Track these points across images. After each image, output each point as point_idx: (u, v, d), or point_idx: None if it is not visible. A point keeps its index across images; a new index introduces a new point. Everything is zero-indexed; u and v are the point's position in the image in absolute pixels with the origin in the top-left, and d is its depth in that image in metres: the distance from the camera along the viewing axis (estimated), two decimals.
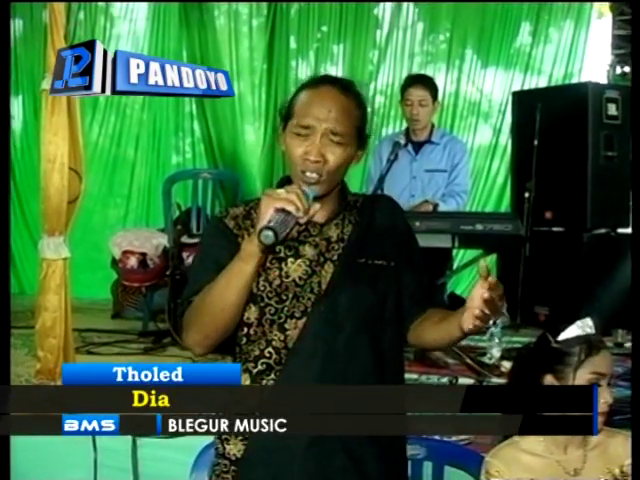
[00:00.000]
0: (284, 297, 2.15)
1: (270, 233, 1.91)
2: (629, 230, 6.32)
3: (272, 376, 2.13)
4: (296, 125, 2.15)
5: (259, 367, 2.14)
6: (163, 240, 5.85)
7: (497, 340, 4.78)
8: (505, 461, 2.22)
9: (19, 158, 7.98)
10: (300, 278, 2.16)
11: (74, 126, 4.15)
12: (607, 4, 7.91)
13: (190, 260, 5.61)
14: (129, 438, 3.42)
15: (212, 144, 8.47)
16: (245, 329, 2.17)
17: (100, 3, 8.52)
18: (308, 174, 2.12)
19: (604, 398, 2.16)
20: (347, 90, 2.19)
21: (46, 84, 4.08)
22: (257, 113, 8.65)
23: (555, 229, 6.37)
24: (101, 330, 5.83)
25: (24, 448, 3.20)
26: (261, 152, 8.55)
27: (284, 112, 2.23)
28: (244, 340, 2.18)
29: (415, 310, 2.26)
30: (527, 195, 6.19)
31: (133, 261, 5.72)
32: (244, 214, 2.23)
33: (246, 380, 2.14)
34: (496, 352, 4.67)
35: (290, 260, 2.16)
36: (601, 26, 8.18)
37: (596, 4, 8.07)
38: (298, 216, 1.97)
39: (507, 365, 4.65)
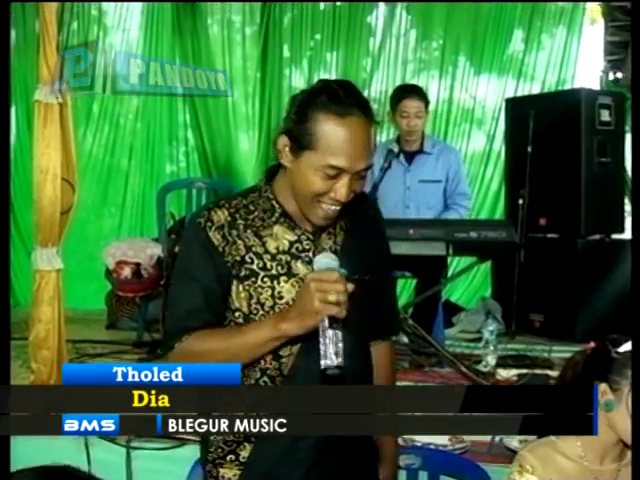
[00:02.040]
0: None
1: (338, 371, 1.88)
2: (623, 236, 6.33)
3: None
4: (323, 164, 1.96)
5: None
6: (157, 250, 5.83)
7: (492, 347, 4.78)
8: (541, 458, 2.19)
9: (12, 169, 7.96)
10: (293, 300, 2.04)
11: (67, 137, 4.14)
12: (600, 10, 7.92)
13: None
14: (123, 450, 3.41)
15: (206, 153, 8.46)
16: None
17: (93, 12, 8.53)
18: (332, 209, 2.01)
19: None
20: (372, 115, 2.02)
21: (39, 95, 4.07)
22: (251, 122, 8.65)
23: (549, 236, 6.37)
24: (95, 341, 5.80)
25: (17, 464, 3.18)
26: (255, 161, 8.54)
27: (294, 132, 2.02)
28: None
29: (379, 335, 2.27)
30: (521, 202, 6.19)
31: (127, 271, 5.70)
32: (230, 222, 2.08)
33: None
34: (491, 360, 4.65)
35: (283, 279, 2.06)
36: (593, 32, 8.20)
37: (588, 10, 8.08)
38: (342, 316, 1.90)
39: (502, 373, 4.63)
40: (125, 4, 8.52)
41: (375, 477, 2.22)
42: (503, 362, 4.76)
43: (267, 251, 2.07)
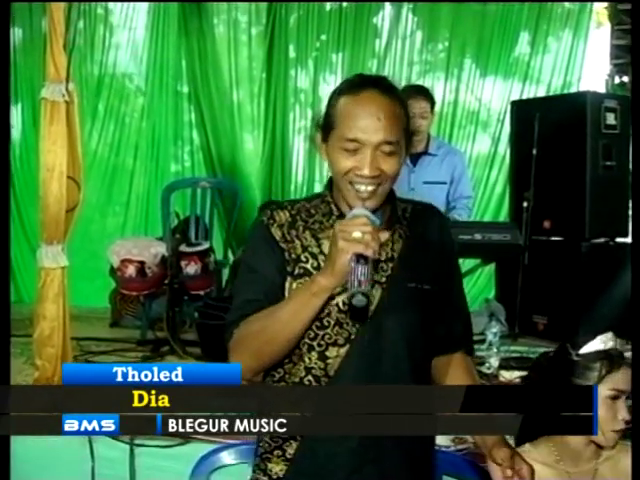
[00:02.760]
0: (326, 323, 2.05)
1: (364, 298, 1.85)
2: (628, 240, 6.32)
3: None
4: (342, 139, 2.01)
5: None
6: (162, 249, 5.83)
7: (495, 349, 4.78)
8: None
9: (18, 167, 7.98)
10: (344, 303, 2.03)
11: (73, 135, 4.14)
12: (606, 13, 7.92)
13: (188, 269, 5.61)
14: (127, 447, 3.41)
15: (211, 153, 8.46)
16: None
17: (99, 11, 8.54)
18: (363, 188, 2.00)
19: (621, 415, 2.14)
20: (390, 91, 2.06)
21: (45, 92, 4.08)
22: (256, 122, 8.65)
23: (554, 238, 6.36)
24: (99, 339, 5.81)
25: (21, 459, 3.19)
26: (260, 161, 8.55)
27: (322, 121, 2.09)
28: (281, 361, 2.11)
29: (445, 349, 2.22)
30: (526, 204, 6.18)
31: (131, 270, 5.70)
32: (290, 222, 2.11)
33: None
34: (494, 361, 4.65)
35: None
36: (600, 36, 8.20)
37: (594, 13, 8.08)
38: (373, 257, 1.89)
39: (506, 375, 4.63)
40: (131, 4, 8.53)
41: None
42: (506, 364, 4.76)
43: (322, 252, 2.07)
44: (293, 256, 2.06)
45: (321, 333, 2.06)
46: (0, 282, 2.52)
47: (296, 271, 2.07)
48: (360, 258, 1.86)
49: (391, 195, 2.16)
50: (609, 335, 2.25)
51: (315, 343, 2.06)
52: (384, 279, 2.07)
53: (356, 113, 2.00)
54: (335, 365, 2.05)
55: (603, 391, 2.15)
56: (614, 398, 2.14)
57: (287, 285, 2.07)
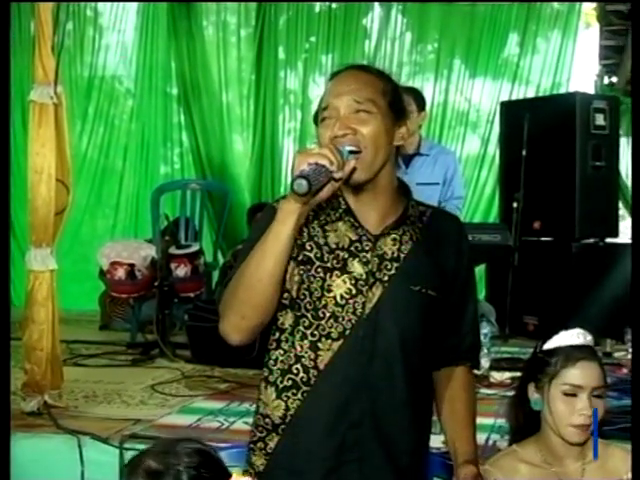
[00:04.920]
0: (321, 314, 2.03)
1: (303, 182, 1.82)
2: (617, 240, 6.34)
3: (299, 396, 2.04)
4: (322, 111, 2.06)
5: (285, 382, 2.05)
6: (151, 251, 5.83)
7: (486, 350, 4.76)
8: (503, 470, 2.20)
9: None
10: (342, 297, 2.02)
11: (62, 137, 4.13)
12: (595, 14, 7.94)
13: (178, 272, 5.61)
14: (116, 451, 3.40)
15: (200, 155, 8.47)
16: (277, 334, 2.08)
17: (89, 13, 8.53)
18: (345, 148, 1.98)
19: (577, 411, 2.14)
20: (366, 68, 2.14)
21: (34, 95, 4.07)
22: (245, 123, 8.66)
23: (544, 239, 6.38)
24: (89, 342, 5.81)
25: (14, 461, 3.17)
26: (249, 162, 8.55)
27: (315, 118, 2.20)
28: (274, 345, 2.09)
29: (452, 360, 2.20)
30: (515, 205, 6.20)
31: (121, 272, 5.69)
32: None
33: (272, 394, 2.07)
34: (485, 362, 4.64)
35: (336, 273, 2.03)
36: (588, 36, 8.23)
37: (583, 14, 8.11)
38: (332, 170, 1.88)
39: (496, 375, 4.63)
40: (120, 5, 8.52)
41: None
42: (497, 365, 4.76)
43: (327, 244, 2.05)
44: (298, 242, 2.03)
45: (315, 323, 2.03)
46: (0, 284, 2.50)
47: (300, 257, 2.04)
48: (314, 165, 1.87)
49: (406, 193, 2.15)
50: (573, 331, 2.25)
51: (309, 332, 2.03)
52: (386, 278, 2.04)
53: (331, 87, 2.08)
54: (326, 359, 2.02)
55: (557, 386, 2.16)
56: (570, 394, 2.14)
57: (289, 269, 2.03)
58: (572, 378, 2.16)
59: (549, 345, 2.24)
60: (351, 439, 2.03)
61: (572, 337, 2.22)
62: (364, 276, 2.02)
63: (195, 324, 5.40)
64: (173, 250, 5.77)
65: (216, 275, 6.89)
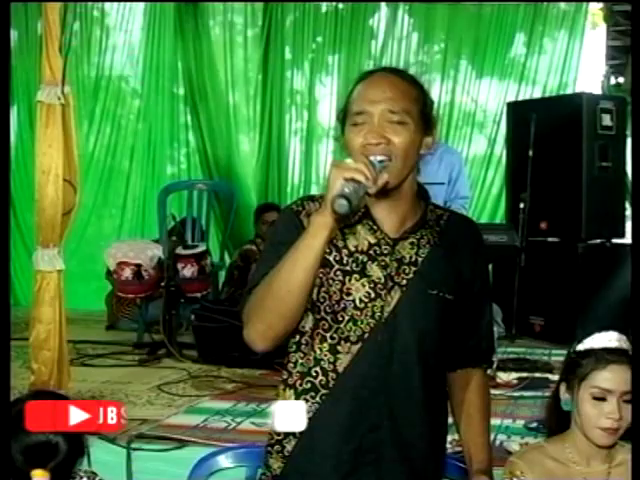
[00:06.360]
0: (340, 318, 2.03)
1: (344, 202, 1.82)
2: (624, 240, 6.33)
3: (317, 399, 2.05)
4: (352, 116, 2.04)
5: (304, 385, 2.06)
6: (158, 251, 5.82)
7: None
8: (530, 463, 2.20)
9: (14, 169, 7.96)
10: (361, 300, 2.03)
11: (69, 137, 4.13)
12: (601, 15, 7.93)
13: (185, 272, 5.61)
14: (124, 451, 3.41)
15: (207, 155, 8.47)
16: (297, 336, 2.09)
17: (95, 14, 8.54)
18: (378, 158, 1.97)
19: (605, 415, 2.14)
20: (400, 73, 2.10)
21: (41, 95, 4.07)
22: (252, 123, 8.66)
23: (550, 239, 6.37)
24: (96, 342, 5.82)
25: None
26: (256, 162, 8.55)
27: (341, 115, 2.10)
28: (294, 347, 2.10)
29: (469, 362, 2.22)
30: (522, 206, 6.19)
31: (128, 272, 5.69)
32: None
33: (290, 397, 2.07)
34: (490, 366, 4.64)
35: (355, 277, 2.04)
36: (595, 37, 8.21)
37: (590, 14, 8.09)
38: (368, 186, 1.88)
39: (503, 376, 4.63)
40: (127, 5, 8.52)
41: None
42: (503, 365, 4.75)
43: (346, 246, 2.06)
44: None
45: (335, 326, 2.04)
46: (1, 286, 2.51)
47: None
48: (350, 182, 1.86)
49: (424, 197, 2.15)
50: (607, 334, 2.24)
51: (328, 335, 2.04)
52: (404, 282, 2.05)
53: (365, 91, 2.05)
54: (345, 362, 2.03)
55: (587, 388, 2.16)
56: (598, 396, 2.14)
57: None
58: (602, 381, 2.15)
59: (582, 346, 2.23)
60: (368, 442, 2.05)
61: (606, 339, 2.21)
62: (383, 280, 2.03)
63: (202, 324, 5.41)
64: (180, 250, 5.77)
65: (223, 275, 6.89)
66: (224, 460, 2.70)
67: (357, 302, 2.03)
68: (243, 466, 2.63)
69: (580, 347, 2.24)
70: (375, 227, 2.07)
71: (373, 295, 2.03)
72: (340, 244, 2.06)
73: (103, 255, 5.95)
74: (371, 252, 2.05)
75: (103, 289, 6.79)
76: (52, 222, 4.07)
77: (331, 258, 2.05)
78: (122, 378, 4.82)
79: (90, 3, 8.35)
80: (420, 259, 2.07)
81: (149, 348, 5.61)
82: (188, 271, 5.64)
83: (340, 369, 2.04)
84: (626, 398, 2.14)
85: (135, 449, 3.41)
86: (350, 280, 2.04)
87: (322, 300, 2.04)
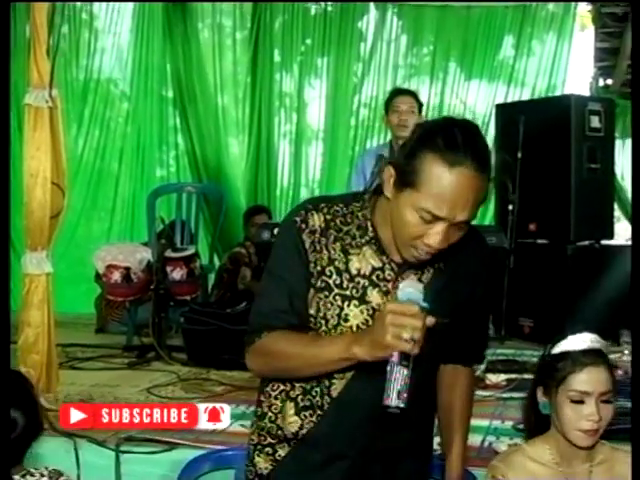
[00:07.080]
0: None
1: (398, 411, 1.77)
2: (613, 242, 6.35)
3: (313, 418, 2.06)
4: (421, 207, 1.84)
5: (305, 402, 2.06)
6: (147, 254, 5.81)
7: None
8: (511, 466, 2.20)
9: None
10: (359, 327, 1.98)
11: (57, 140, 4.13)
12: (590, 16, 7.96)
13: (174, 274, 5.60)
14: (112, 454, 3.40)
15: (196, 157, 8.46)
16: None
17: (84, 16, 8.52)
18: (424, 255, 1.90)
19: (584, 417, 2.14)
20: (484, 167, 1.86)
21: (29, 98, 4.07)
22: (241, 126, 8.66)
23: (539, 241, 6.38)
24: (85, 345, 5.80)
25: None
26: (245, 165, 8.55)
27: (404, 170, 1.87)
28: None
29: (459, 360, 2.24)
30: (511, 207, 6.20)
31: (117, 275, 5.68)
32: (322, 227, 2.01)
33: (291, 409, 2.08)
34: (481, 364, 4.65)
35: (354, 303, 1.99)
36: (584, 39, 8.25)
37: (578, 16, 8.13)
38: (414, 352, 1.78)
39: (492, 377, 4.63)
40: (116, 8, 8.52)
41: None
42: (492, 367, 4.75)
43: (348, 270, 2.01)
44: (318, 268, 2.00)
45: None
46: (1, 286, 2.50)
47: (318, 284, 2.01)
48: (403, 359, 1.78)
49: None
50: (582, 336, 2.23)
51: None
52: None
53: (445, 190, 1.83)
54: (339, 387, 2.03)
55: (564, 392, 2.16)
56: (577, 399, 2.14)
57: (309, 296, 2.01)
58: (579, 384, 2.15)
59: (557, 349, 2.23)
60: (360, 459, 2.07)
61: (581, 341, 2.21)
62: (382, 307, 1.93)
63: (191, 327, 5.40)
64: (169, 253, 5.76)
65: (212, 278, 6.88)
66: (212, 462, 2.70)
67: (354, 328, 1.99)
68: (232, 468, 2.64)
69: (555, 350, 2.24)
70: (381, 249, 2.02)
71: (371, 322, 1.96)
72: (342, 267, 2.01)
73: (92, 258, 5.94)
74: (373, 277, 2.00)
75: (92, 292, 6.77)
76: (40, 225, 4.07)
77: (331, 282, 2.01)
78: (111, 381, 4.80)
79: (79, 3, 8.35)
80: (422, 284, 1.97)
81: (138, 351, 5.60)
82: (177, 274, 5.63)
83: (334, 394, 2.04)
84: (604, 398, 2.15)
85: (124, 452, 3.40)
86: (349, 306, 1.99)
87: (319, 326, 2.02)
